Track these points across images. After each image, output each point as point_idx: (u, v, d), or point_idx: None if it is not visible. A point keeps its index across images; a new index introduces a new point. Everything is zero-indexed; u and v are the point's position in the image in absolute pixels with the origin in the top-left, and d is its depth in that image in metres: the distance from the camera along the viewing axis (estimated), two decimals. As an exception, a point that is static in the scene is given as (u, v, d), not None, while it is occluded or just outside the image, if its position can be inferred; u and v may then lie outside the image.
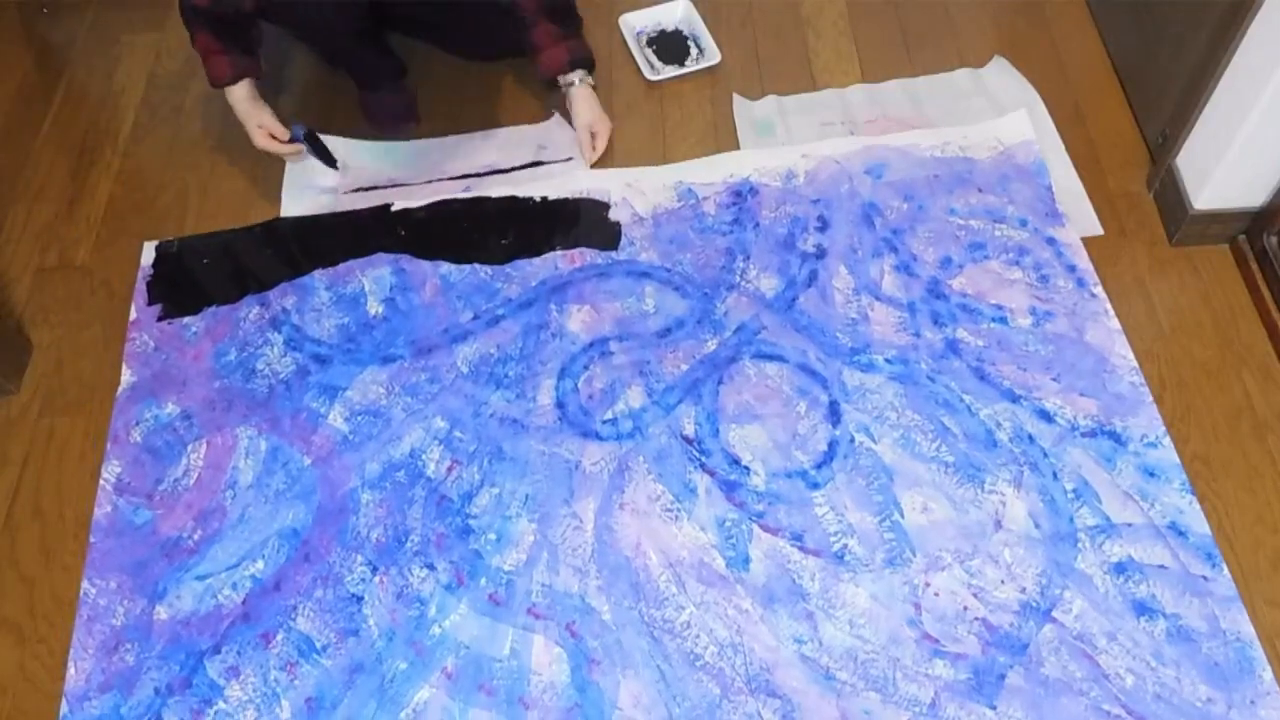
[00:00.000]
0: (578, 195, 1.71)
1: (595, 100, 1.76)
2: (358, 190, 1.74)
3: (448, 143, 1.81)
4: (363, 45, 1.76)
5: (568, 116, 1.77)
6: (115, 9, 2.12)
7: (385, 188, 1.74)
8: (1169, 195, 1.61)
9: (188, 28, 1.59)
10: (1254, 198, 1.52)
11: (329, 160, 1.74)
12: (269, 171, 1.79)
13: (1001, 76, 1.84)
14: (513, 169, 1.76)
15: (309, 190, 1.75)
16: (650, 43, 1.95)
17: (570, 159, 1.77)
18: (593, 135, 1.75)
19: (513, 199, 1.70)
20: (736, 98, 1.83)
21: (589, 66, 1.73)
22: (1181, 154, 1.58)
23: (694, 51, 1.92)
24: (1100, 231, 1.62)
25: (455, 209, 1.70)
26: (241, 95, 1.63)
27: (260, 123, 1.66)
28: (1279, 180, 1.49)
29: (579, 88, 1.73)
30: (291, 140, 1.68)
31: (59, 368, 1.58)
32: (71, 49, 2.06)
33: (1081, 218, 1.64)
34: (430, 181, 1.75)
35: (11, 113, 1.95)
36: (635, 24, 1.97)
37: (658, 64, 1.91)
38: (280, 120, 1.67)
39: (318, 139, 1.72)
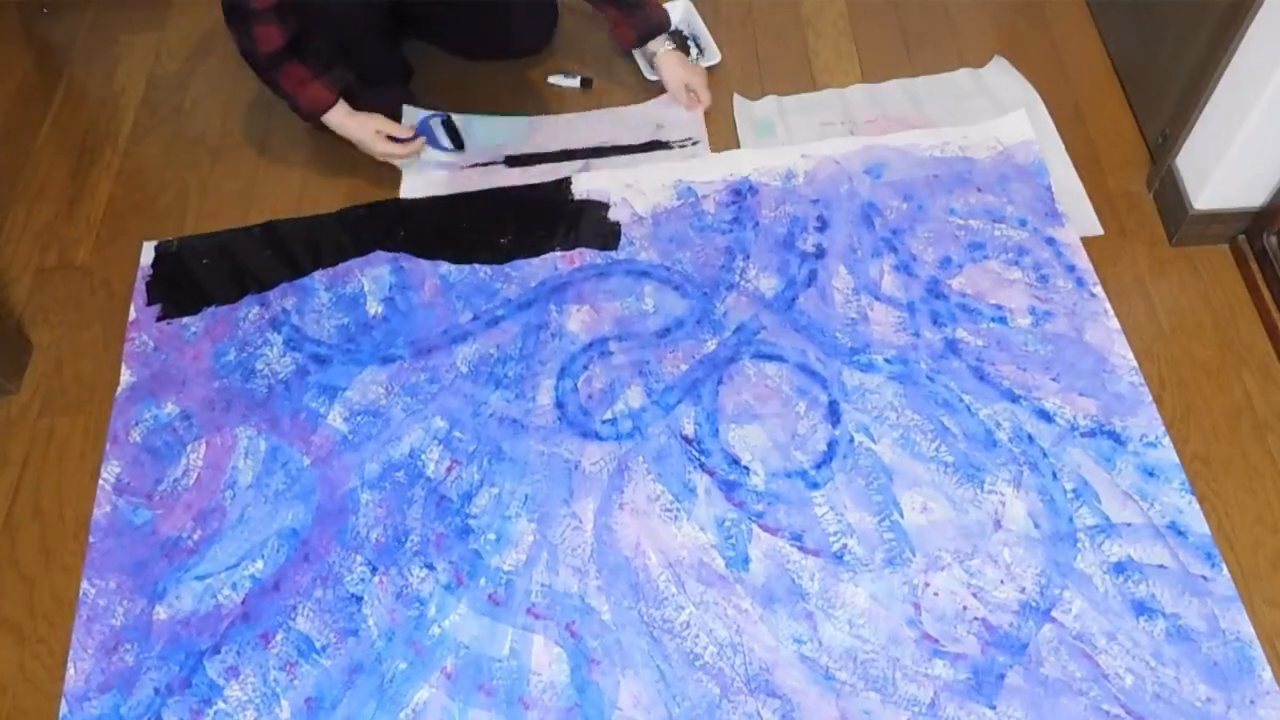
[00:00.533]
0: (581, 196, 1.71)
1: (680, 60, 1.82)
2: (474, 165, 1.76)
3: (564, 118, 1.83)
4: (379, 42, 1.76)
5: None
6: (115, 9, 2.12)
7: (499, 163, 1.76)
8: (1169, 195, 1.61)
9: (268, 72, 1.61)
10: (1254, 198, 1.52)
11: (458, 143, 1.77)
12: (269, 171, 1.79)
13: (1002, 76, 1.84)
14: (630, 146, 1.77)
15: (427, 167, 1.77)
16: None
17: (695, 141, 1.77)
18: (690, 90, 1.81)
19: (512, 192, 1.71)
20: (737, 98, 1.83)
21: (660, 33, 1.81)
22: (1181, 154, 1.58)
23: (694, 51, 1.92)
24: (1100, 231, 1.62)
25: (457, 205, 1.70)
26: (344, 113, 1.66)
27: (378, 128, 1.68)
28: (1279, 180, 1.49)
29: (660, 56, 1.81)
30: (416, 135, 1.73)
31: (59, 368, 1.58)
32: (71, 49, 2.06)
33: (1081, 218, 1.64)
34: (545, 156, 1.77)
35: (11, 113, 1.95)
36: None
37: None
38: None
39: (452, 123, 1.78)
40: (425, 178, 1.75)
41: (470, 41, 1.89)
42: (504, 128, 1.82)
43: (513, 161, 1.76)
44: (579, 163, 1.76)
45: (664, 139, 1.78)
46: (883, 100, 1.83)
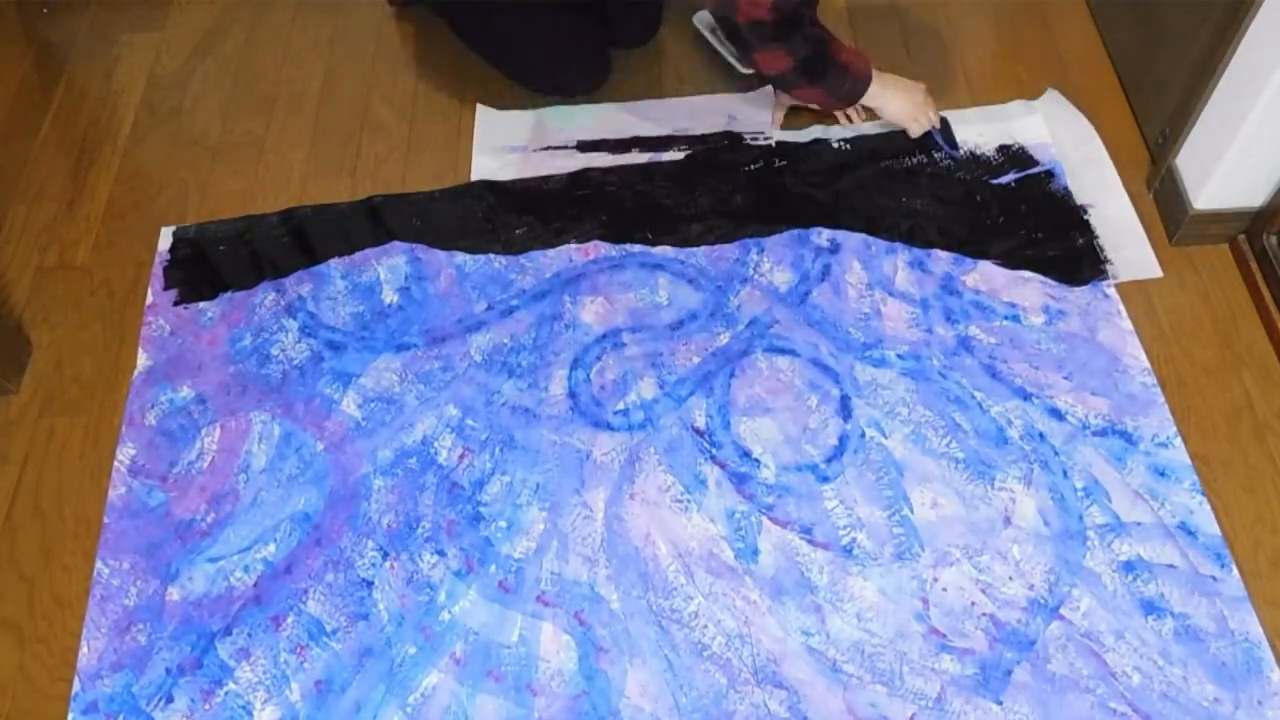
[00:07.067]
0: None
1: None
2: (546, 149, 1.76)
3: (637, 106, 1.83)
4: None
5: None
6: (115, 9, 2.10)
7: (571, 148, 1.76)
8: (1169, 195, 1.60)
9: (827, 43, 1.53)
10: (1254, 198, 1.52)
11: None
12: (269, 171, 1.80)
13: (1056, 109, 1.78)
14: (703, 136, 1.76)
15: (499, 150, 1.77)
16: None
17: (767, 136, 1.75)
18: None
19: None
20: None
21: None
22: (1181, 154, 1.58)
23: (729, 59, 1.88)
24: (1159, 274, 1.56)
25: (475, 195, 1.71)
26: (886, 78, 1.62)
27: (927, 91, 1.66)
28: (1279, 180, 1.49)
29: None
30: None
31: (59, 368, 1.57)
32: (71, 49, 2.04)
33: (1138, 260, 1.57)
34: (617, 144, 1.76)
35: (11, 113, 1.94)
36: (710, 21, 1.93)
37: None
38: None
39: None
40: (499, 160, 1.75)
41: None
42: (580, 114, 1.82)
43: (585, 146, 1.77)
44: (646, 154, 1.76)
45: (736, 130, 1.76)
46: None
